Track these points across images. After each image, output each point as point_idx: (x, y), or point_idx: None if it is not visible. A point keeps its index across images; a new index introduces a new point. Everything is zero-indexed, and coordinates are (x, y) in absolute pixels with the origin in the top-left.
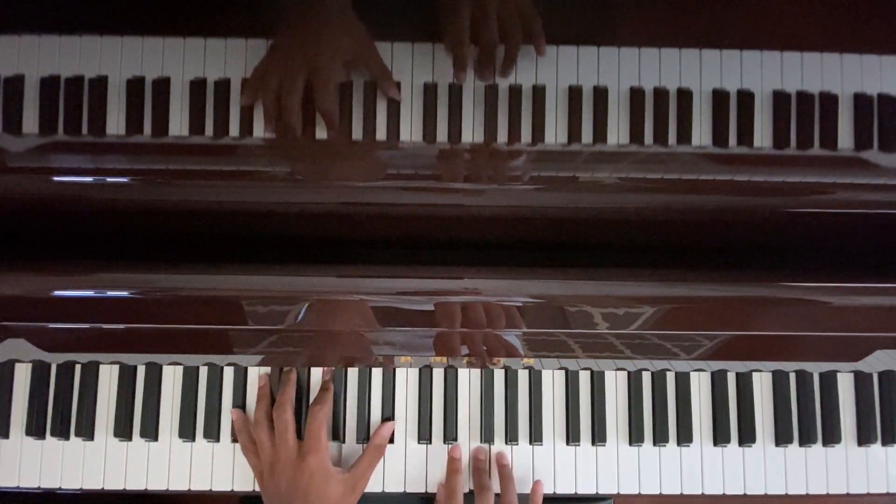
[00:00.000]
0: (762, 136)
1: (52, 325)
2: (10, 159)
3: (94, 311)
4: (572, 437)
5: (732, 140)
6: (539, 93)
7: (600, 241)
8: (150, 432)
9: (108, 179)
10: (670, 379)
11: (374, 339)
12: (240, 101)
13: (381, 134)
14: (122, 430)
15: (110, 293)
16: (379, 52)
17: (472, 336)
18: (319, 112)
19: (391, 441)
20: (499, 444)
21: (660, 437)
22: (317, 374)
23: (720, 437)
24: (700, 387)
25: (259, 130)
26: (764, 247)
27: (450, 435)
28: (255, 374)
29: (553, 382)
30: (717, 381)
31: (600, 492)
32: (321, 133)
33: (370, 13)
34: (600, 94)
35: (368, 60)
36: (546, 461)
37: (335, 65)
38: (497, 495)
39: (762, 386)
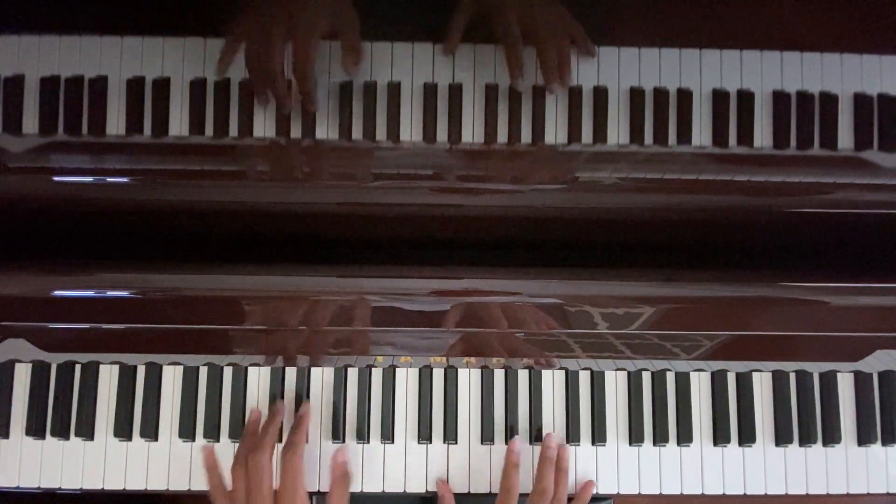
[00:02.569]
0: (762, 136)
1: (52, 325)
2: (10, 159)
3: (94, 311)
4: (572, 437)
5: (732, 140)
6: (539, 93)
7: (600, 241)
8: (150, 432)
9: (108, 179)
10: (670, 379)
11: (375, 339)
12: (215, 71)
13: (381, 134)
14: (122, 430)
15: (110, 293)
16: (359, 26)
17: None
18: (294, 76)
19: (391, 441)
20: (499, 445)
21: (660, 437)
22: (317, 373)
23: (720, 437)
24: (700, 387)
25: (259, 130)
26: (764, 247)
27: (450, 435)
28: (256, 374)
29: (553, 382)
30: (717, 381)
31: (600, 492)
32: (321, 133)
33: (371, 13)
34: (600, 94)
35: (345, 29)
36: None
37: (315, 30)
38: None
39: (762, 386)
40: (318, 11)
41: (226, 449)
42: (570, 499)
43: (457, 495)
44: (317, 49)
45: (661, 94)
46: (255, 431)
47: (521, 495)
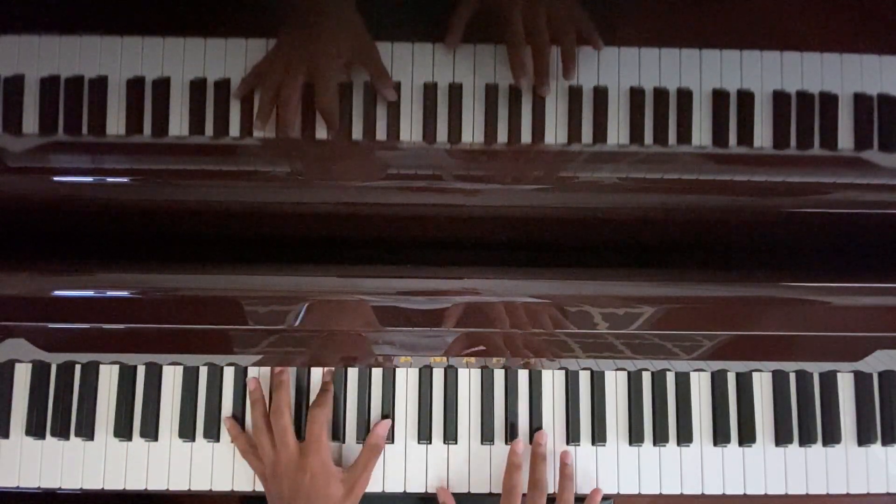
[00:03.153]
0: (762, 136)
1: (52, 325)
2: (10, 159)
3: (94, 311)
4: (572, 437)
5: (732, 140)
6: (539, 94)
7: (600, 241)
8: (150, 432)
9: (108, 179)
10: (670, 379)
11: (375, 339)
12: (233, 94)
13: (381, 134)
14: (122, 430)
15: (110, 293)
16: (379, 53)
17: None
18: (319, 111)
19: (391, 441)
20: (499, 445)
21: (660, 437)
22: (316, 374)
23: (720, 437)
24: (700, 387)
25: (259, 130)
26: (764, 247)
27: (450, 435)
28: (256, 374)
29: (553, 382)
30: (717, 381)
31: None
32: (321, 133)
33: (371, 13)
34: (600, 94)
35: (367, 60)
36: (557, 457)
37: (335, 63)
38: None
39: (762, 386)
40: (338, 45)
41: (226, 449)
42: (577, 499)
43: (457, 495)
44: (338, 80)
45: (661, 94)
46: (261, 398)
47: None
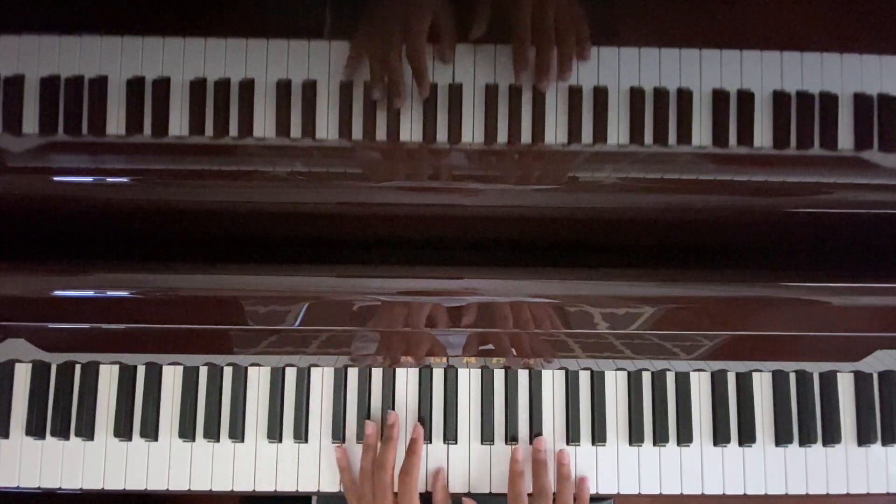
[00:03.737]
0: (762, 136)
1: (52, 325)
2: (10, 159)
3: (94, 311)
4: (572, 437)
5: (732, 140)
6: (539, 93)
7: (600, 241)
8: (150, 432)
9: (108, 179)
10: (670, 379)
11: (374, 339)
12: (342, 73)
13: (381, 134)
14: (122, 430)
15: (110, 293)
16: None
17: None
18: (411, 64)
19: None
20: (499, 445)
21: (660, 437)
22: (317, 374)
23: (720, 437)
24: (700, 387)
25: (259, 130)
26: (764, 247)
27: (450, 435)
28: (256, 374)
29: (553, 382)
30: (717, 381)
31: (600, 492)
32: (321, 133)
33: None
34: (600, 94)
35: (443, 24)
36: (554, 457)
37: (425, 21)
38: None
39: (762, 386)
40: (425, 9)
41: (226, 449)
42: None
43: (456, 495)
44: (426, 36)
45: (661, 94)
46: (375, 445)
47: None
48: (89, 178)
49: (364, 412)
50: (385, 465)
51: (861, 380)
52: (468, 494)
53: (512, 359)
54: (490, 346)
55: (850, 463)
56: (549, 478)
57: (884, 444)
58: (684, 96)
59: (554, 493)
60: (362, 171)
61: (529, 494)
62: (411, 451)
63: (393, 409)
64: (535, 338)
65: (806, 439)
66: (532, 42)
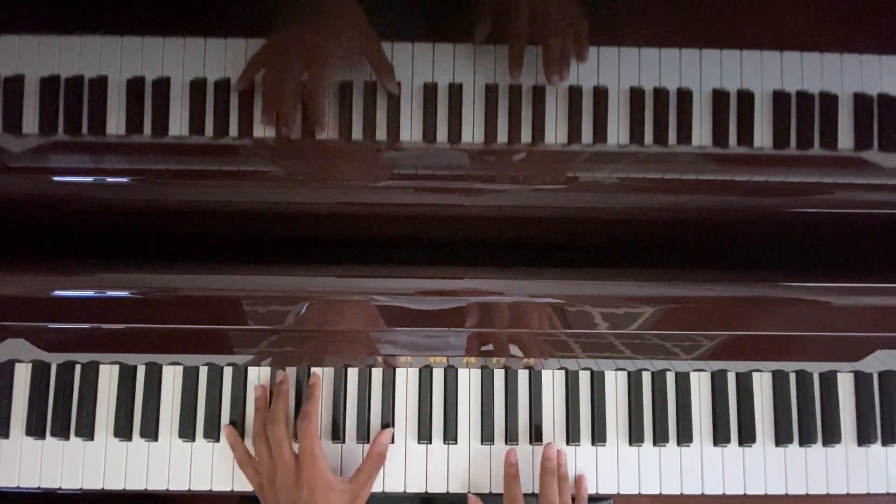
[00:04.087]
0: (762, 136)
1: (52, 325)
2: (10, 159)
3: (94, 311)
4: (572, 437)
5: (732, 140)
6: (539, 93)
7: (600, 241)
8: (150, 432)
9: (108, 179)
10: (670, 379)
11: (376, 339)
12: (234, 87)
13: (381, 134)
14: (122, 430)
15: (110, 293)
16: (381, 45)
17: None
18: (306, 101)
19: (392, 441)
20: (499, 445)
21: (660, 437)
22: (317, 373)
23: (720, 437)
24: (700, 387)
25: (259, 130)
26: (764, 247)
27: (450, 435)
28: (256, 374)
29: (553, 382)
30: (717, 381)
31: (600, 492)
32: (321, 133)
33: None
34: (600, 94)
35: (370, 52)
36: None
37: (333, 56)
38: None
39: (762, 386)
40: (339, 40)
41: (226, 449)
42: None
43: (456, 495)
44: (331, 77)
45: (661, 94)
46: (265, 406)
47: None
48: (89, 178)
49: (364, 412)
50: (277, 419)
51: (861, 380)
52: (468, 494)
53: (512, 359)
54: (489, 346)
55: (850, 463)
56: (556, 488)
57: (884, 444)
58: (684, 96)
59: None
60: (361, 171)
61: (526, 495)
62: (309, 395)
63: (393, 409)
64: (535, 338)
65: (806, 439)
66: (529, 41)
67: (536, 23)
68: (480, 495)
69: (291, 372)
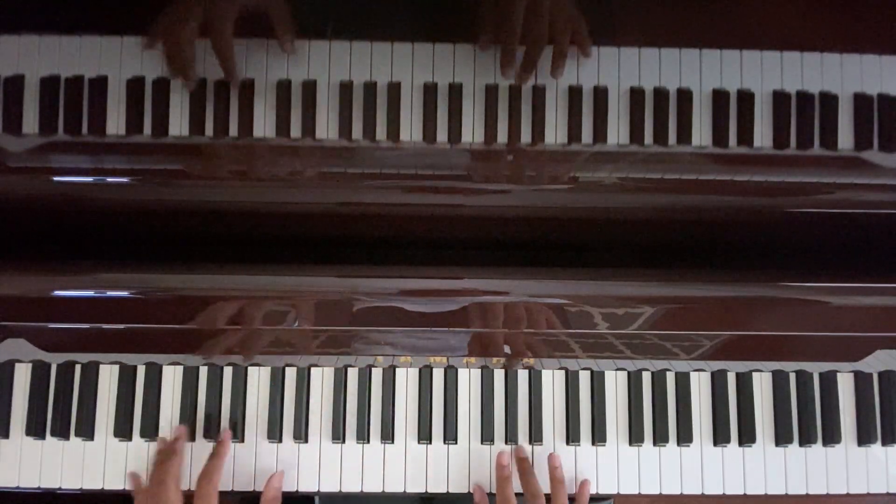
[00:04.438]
0: (762, 136)
1: (52, 325)
2: (10, 159)
3: (94, 311)
4: (572, 436)
5: (732, 140)
6: (539, 93)
7: (600, 241)
8: (150, 432)
9: (108, 179)
10: (670, 379)
11: (376, 339)
12: (142, 45)
13: (381, 134)
14: (122, 430)
15: (110, 293)
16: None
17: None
18: (214, 50)
19: (391, 441)
20: (499, 445)
21: (660, 437)
22: (317, 373)
23: (720, 437)
24: (700, 387)
25: (259, 130)
26: (764, 247)
27: (450, 435)
28: (255, 374)
29: (553, 382)
30: (717, 381)
31: (600, 492)
32: (321, 133)
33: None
34: (600, 94)
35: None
36: (546, 461)
37: (231, 7)
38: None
39: (762, 386)
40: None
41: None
42: (570, 499)
43: (456, 495)
44: (231, 28)
45: (661, 94)
46: (181, 451)
47: (517, 494)
48: (89, 178)
49: (364, 412)
50: (164, 480)
51: (861, 380)
52: (468, 494)
53: (512, 359)
54: (489, 347)
55: (850, 463)
56: (537, 480)
57: (884, 444)
58: (684, 96)
59: (548, 496)
60: (362, 171)
61: (518, 494)
62: (216, 451)
63: (393, 409)
64: (535, 338)
65: (806, 439)
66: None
67: (530, 22)
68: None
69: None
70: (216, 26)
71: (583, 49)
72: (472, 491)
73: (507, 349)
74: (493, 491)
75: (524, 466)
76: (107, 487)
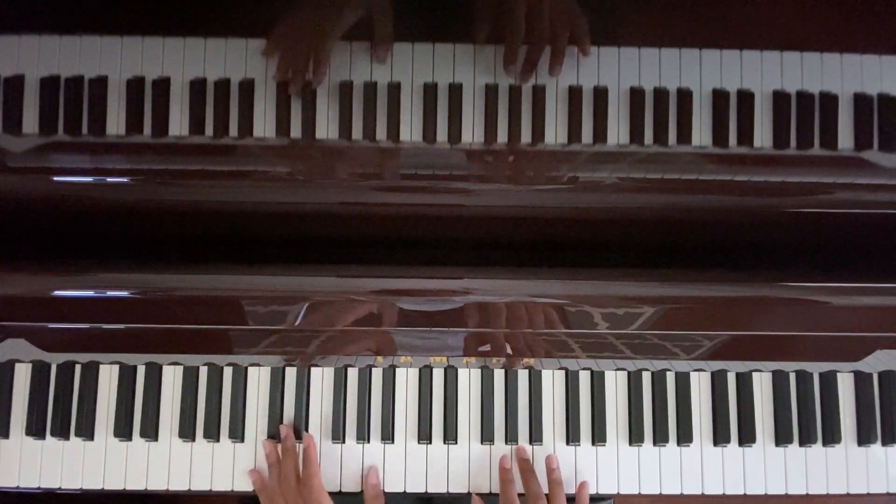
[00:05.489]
0: (762, 136)
1: (52, 325)
2: (10, 159)
3: (94, 311)
4: (572, 437)
5: (732, 140)
6: (539, 93)
7: (600, 241)
8: (150, 432)
9: (108, 179)
10: (670, 379)
11: (376, 339)
12: (262, 52)
13: (381, 134)
14: (122, 430)
15: (110, 293)
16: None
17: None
18: (313, 52)
19: (391, 441)
20: (499, 445)
21: (660, 437)
22: (317, 374)
23: (720, 437)
24: (700, 387)
25: (259, 130)
26: (764, 247)
27: (450, 435)
28: (256, 374)
29: (553, 382)
30: (717, 381)
31: (600, 492)
32: (321, 133)
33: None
34: (600, 94)
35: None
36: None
37: (342, 15)
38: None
39: (762, 386)
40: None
41: (226, 449)
42: (569, 499)
43: (456, 495)
44: (336, 38)
45: (661, 94)
46: (277, 462)
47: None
48: (89, 178)
49: (364, 412)
50: (288, 477)
51: (861, 380)
52: (468, 495)
53: (512, 359)
54: (489, 347)
55: (850, 463)
56: (538, 481)
57: (884, 444)
58: (684, 96)
59: (548, 495)
60: (362, 171)
61: (521, 495)
62: (307, 460)
63: (393, 409)
64: (535, 338)
65: (806, 439)
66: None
67: (532, 21)
68: (480, 495)
69: (290, 378)
70: (322, 37)
71: (582, 48)
72: (470, 492)
73: (507, 349)
74: (494, 491)
75: (525, 466)
76: (107, 487)
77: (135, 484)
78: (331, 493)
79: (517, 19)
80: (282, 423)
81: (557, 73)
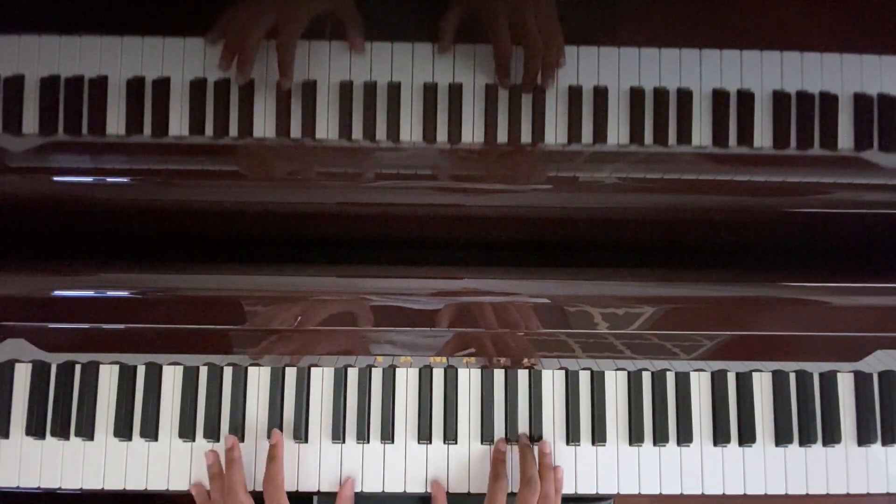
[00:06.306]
0: (762, 136)
1: (52, 325)
2: (10, 159)
3: (94, 311)
4: (572, 436)
5: (732, 140)
6: (539, 93)
7: (600, 241)
8: (150, 432)
9: (108, 179)
10: (670, 379)
11: (375, 339)
12: (206, 39)
13: (381, 134)
14: (122, 430)
15: (110, 293)
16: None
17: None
18: (277, 49)
19: (391, 441)
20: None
21: (660, 437)
22: (317, 373)
23: (720, 437)
24: (700, 387)
25: (259, 130)
26: (764, 247)
27: (450, 435)
28: (256, 374)
29: (553, 382)
30: (717, 381)
31: (600, 492)
32: (321, 133)
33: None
34: (600, 94)
35: (344, 10)
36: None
37: (306, 11)
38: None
39: (762, 386)
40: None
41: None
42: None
43: (456, 495)
44: (300, 29)
45: (661, 94)
46: (219, 473)
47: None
48: (89, 178)
49: (364, 412)
50: (234, 489)
51: (861, 380)
52: (468, 494)
53: (512, 359)
54: (489, 346)
55: (850, 463)
56: (535, 464)
57: (884, 444)
58: (684, 96)
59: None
60: (362, 171)
61: (510, 494)
62: (271, 456)
63: (393, 409)
64: (535, 337)
65: (806, 439)
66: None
67: (516, 32)
68: (481, 495)
69: (290, 378)
70: (285, 27)
71: (556, 62)
72: (470, 492)
73: (507, 349)
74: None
75: (524, 441)
76: (107, 487)
77: (135, 484)
78: (331, 493)
79: (502, 35)
80: (282, 423)
81: (550, 85)
